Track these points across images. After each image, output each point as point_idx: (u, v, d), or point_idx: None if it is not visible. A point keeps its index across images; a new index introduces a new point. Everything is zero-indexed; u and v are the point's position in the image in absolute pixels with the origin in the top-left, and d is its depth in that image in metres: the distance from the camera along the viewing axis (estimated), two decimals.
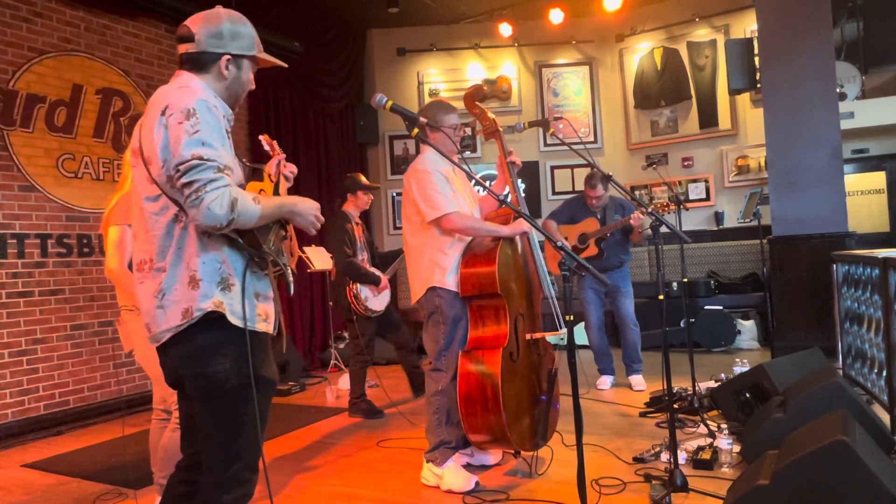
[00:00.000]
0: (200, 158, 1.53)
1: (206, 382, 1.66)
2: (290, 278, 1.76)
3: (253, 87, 1.84)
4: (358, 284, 4.20)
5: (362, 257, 4.32)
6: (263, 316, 1.73)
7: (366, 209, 4.46)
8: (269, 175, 1.91)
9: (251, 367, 1.64)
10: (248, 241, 1.66)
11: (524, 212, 3.00)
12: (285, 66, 1.91)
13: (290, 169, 1.96)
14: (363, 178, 4.40)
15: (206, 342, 1.64)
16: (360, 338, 4.24)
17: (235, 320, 1.65)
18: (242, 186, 1.76)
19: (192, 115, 1.57)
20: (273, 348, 1.84)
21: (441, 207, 2.82)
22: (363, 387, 4.34)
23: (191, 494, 1.77)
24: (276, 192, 1.87)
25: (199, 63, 1.72)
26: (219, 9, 1.76)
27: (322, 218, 1.83)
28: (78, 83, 4.83)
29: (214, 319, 1.63)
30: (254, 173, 1.91)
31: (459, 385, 2.82)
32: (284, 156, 1.98)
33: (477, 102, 3.21)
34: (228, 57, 1.72)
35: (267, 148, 2.03)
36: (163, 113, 1.60)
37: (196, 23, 1.72)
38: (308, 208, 1.78)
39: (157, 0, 5.11)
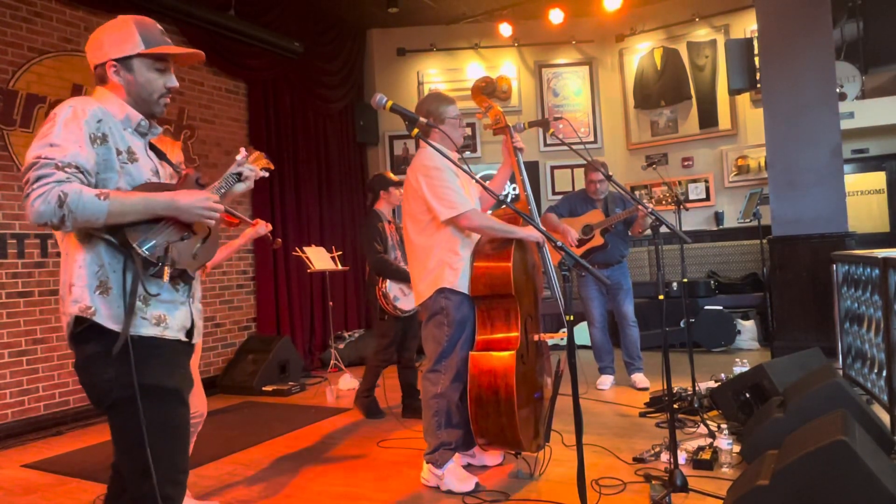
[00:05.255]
0: (39, 157, 1.49)
1: (94, 392, 1.62)
2: (165, 278, 1.58)
3: (173, 84, 1.75)
4: (387, 283, 4.17)
5: (395, 256, 4.30)
6: (154, 320, 1.61)
7: (399, 204, 4.45)
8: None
9: (135, 376, 1.52)
10: (119, 240, 1.54)
11: (533, 212, 3.02)
12: (201, 54, 1.81)
13: (247, 174, 1.79)
14: (391, 175, 4.42)
15: (91, 350, 1.58)
16: (384, 338, 4.23)
17: (114, 325, 1.55)
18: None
19: (50, 121, 1.55)
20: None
21: (457, 206, 2.75)
22: (374, 383, 4.31)
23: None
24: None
25: (98, 76, 1.72)
26: (114, 20, 1.73)
27: (220, 207, 1.66)
28: (78, 83, 4.83)
29: (99, 326, 1.56)
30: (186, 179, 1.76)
31: (470, 387, 2.78)
32: (247, 157, 1.85)
33: (486, 96, 3.16)
34: (112, 63, 1.67)
35: (240, 157, 1.87)
36: None
37: (88, 40, 1.74)
38: (192, 204, 1.59)
39: (157, 0, 5.10)
